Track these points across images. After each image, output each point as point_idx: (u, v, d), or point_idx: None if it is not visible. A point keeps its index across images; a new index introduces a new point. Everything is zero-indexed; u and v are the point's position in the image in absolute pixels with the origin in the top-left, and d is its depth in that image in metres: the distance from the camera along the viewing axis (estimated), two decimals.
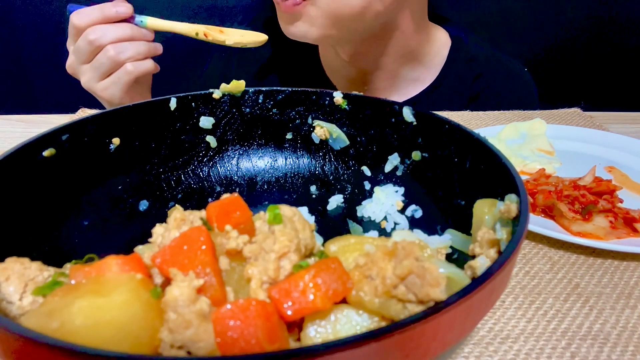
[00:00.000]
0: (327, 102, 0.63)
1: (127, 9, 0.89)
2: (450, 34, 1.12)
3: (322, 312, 0.33)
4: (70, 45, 0.93)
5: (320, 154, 0.66)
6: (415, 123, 0.58)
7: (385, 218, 0.60)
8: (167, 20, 0.90)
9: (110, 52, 0.87)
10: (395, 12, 0.96)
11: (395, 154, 0.61)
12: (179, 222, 0.38)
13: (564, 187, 0.66)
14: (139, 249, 0.40)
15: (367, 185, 0.63)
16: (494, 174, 0.46)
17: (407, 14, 1.00)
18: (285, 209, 0.40)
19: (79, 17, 0.88)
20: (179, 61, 1.55)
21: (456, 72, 1.09)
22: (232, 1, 1.50)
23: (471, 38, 1.12)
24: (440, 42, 1.10)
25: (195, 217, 0.39)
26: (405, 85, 1.10)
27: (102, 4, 0.89)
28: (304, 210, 0.59)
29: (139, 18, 0.89)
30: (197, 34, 0.87)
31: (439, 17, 1.13)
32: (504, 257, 0.33)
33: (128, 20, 0.88)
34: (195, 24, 0.89)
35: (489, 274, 0.31)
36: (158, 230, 0.39)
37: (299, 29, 0.93)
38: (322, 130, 0.64)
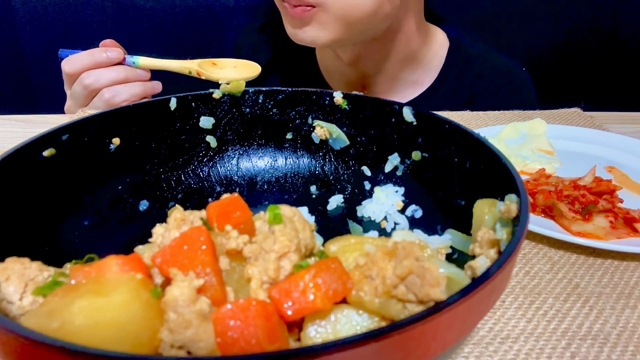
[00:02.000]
0: (327, 102, 0.64)
1: (117, 53, 0.88)
2: (447, 34, 1.12)
3: (322, 312, 0.33)
4: (67, 90, 0.94)
5: (320, 154, 0.66)
6: (415, 123, 0.58)
7: (385, 218, 0.60)
8: (159, 59, 0.90)
9: (105, 95, 0.87)
10: (400, 14, 0.96)
11: (395, 154, 0.61)
12: (179, 222, 0.38)
13: (564, 187, 0.66)
14: (139, 249, 0.40)
15: (367, 185, 0.63)
16: (494, 174, 0.46)
17: (410, 15, 1.00)
18: (285, 209, 0.40)
19: (69, 64, 0.89)
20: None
21: (454, 73, 1.08)
22: (232, 1, 1.50)
23: (468, 38, 1.12)
24: (438, 43, 1.10)
25: (195, 217, 0.39)
26: (405, 87, 1.10)
27: (92, 50, 0.89)
28: (304, 210, 0.59)
29: (131, 59, 0.90)
30: (190, 72, 0.87)
31: (434, 17, 1.13)
32: (504, 257, 0.33)
33: (120, 61, 0.88)
34: (188, 59, 0.89)
35: (489, 274, 0.31)
36: (158, 230, 0.39)
37: (308, 34, 0.91)
38: (322, 130, 0.64)
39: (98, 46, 0.91)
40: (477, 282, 0.31)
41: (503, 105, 1.02)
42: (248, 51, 1.20)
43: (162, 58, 0.91)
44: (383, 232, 0.58)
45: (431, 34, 1.09)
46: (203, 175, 0.64)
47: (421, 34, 1.05)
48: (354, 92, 0.63)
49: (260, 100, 0.65)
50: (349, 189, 0.64)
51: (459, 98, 1.08)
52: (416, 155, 0.59)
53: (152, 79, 0.93)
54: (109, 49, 0.88)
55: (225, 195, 0.41)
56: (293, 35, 0.94)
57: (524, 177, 0.72)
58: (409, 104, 0.59)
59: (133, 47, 1.45)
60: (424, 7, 1.06)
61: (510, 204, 0.40)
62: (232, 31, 1.24)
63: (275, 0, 0.95)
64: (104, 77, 0.88)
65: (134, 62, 0.89)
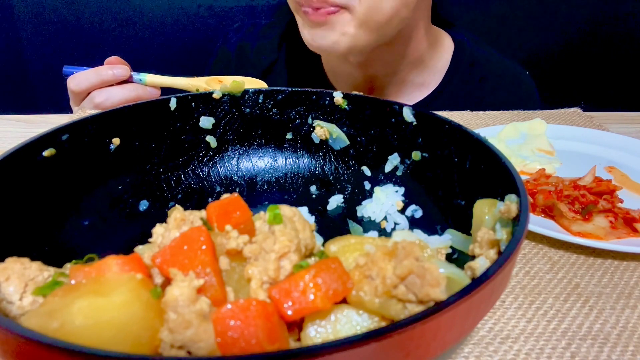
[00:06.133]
0: (327, 102, 0.63)
1: (124, 70, 0.87)
2: (453, 37, 1.12)
3: (322, 312, 0.33)
4: (73, 106, 0.93)
5: (320, 154, 0.66)
6: (415, 123, 0.58)
7: (385, 218, 0.60)
8: (166, 76, 0.89)
9: None
10: (411, 18, 0.96)
11: (395, 154, 0.61)
12: (179, 222, 0.38)
13: (564, 187, 0.66)
14: (139, 249, 0.40)
15: (367, 185, 0.63)
16: (494, 174, 0.46)
17: (420, 19, 1.00)
18: (285, 209, 0.40)
19: (75, 82, 0.87)
20: (180, 61, 1.55)
21: (459, 76, 1.09)
22: (232, 2, 1.50)
23: (473, 41, 1.12)
24: (443, 46, 1.10)
25: (195, 217, 0.39)
26: (411, 90, 1.10)
27: (98, 67, 0.88)
28: (304, 210, 0.59)
29: (138, 76, 0.89)
30: (197, 90, 0.86)
31: (444, 22, 1.13)
32: (504, 257, 0.33)
33: (127, 79, 0.87)
34: (194, 77, 0.88)
35: (488, 274, 0.31)
36: (158, 230, 0.39)
37: (329, 40, 0.88)
38: (322, 130, 0.64)
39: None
40: (477, 282, 0.31)
41: (506, 108, 1.02)
42: (251, 52, 1.19)
43: (169, 75, 0.90)
44: (383, 232, 0.58)
45: (437, 37, 1.10)
46: (203, 175, 0.64)
47: (429, 37, 1.05)
48: (354, 92, 0.63)
49: (260, 100, 0.65)
50: (349, 189, 0.64)
51: (464, 101, 1.08)
52: (416, 155, 0.59)
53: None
54: (115, 67, 0.87)
55: (225, 195, 0.41)
56: (311, 41, 0.92)
57: (524, 177, 0.72)
58: (415, 106, 0.59)
59: (132, 50, 1.44)
60: (431, 11, 1.06)
61: (510, 204, 0.40)
62: (234, 32, 1.24)
63: (291, 6, 0.93)
64: (116, 95, 0.87)
65: (140, 80, 0.89)
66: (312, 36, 0.91)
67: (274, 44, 1.18)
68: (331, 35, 0.88)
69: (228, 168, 0.65)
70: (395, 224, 0.59)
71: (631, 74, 1.68)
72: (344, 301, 0.34)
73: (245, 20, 1.35)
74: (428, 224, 0.56)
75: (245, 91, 0.64)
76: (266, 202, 0.64)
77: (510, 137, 0.85)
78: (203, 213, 0.40)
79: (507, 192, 0.42)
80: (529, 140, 0.84)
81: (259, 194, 0.65)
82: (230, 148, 0.66)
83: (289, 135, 0.66)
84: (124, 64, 0.90)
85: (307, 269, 0.34)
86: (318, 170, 0.66)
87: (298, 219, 0.40)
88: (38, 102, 1.62)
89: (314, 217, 0.60)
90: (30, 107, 1.56)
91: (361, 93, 0.63)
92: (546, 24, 1.62)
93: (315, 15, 0.86)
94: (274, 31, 1.19)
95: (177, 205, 0.57)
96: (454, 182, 0.54)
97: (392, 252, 0.34)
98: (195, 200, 0.62)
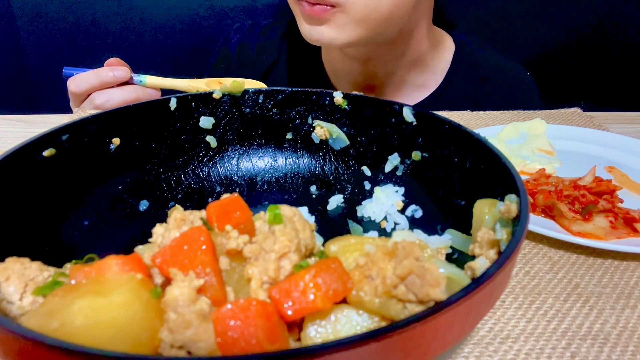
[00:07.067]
0: (327, 102, 0.64)
1: (124, 72, 0.87)
2: (454, 38, 1.12)
3: (322, 312, 0.33)
4: (73, 107, 0.93)
5: (320, 154, 0.66)
6: (415, 123, 0.58)
7: (385, 218, 0.60)
8: (166, 78, 0.89)
9: None
10: (412, 18, 0.96)
11: (395, 154, 0.61)
12: (179, 222, 0.38)
13: (564, 187, 0.66)
14: (139, 249, 0.40)
15: (367, 185, 0.63)
16: (494, 174, 0.46)
17: (421, 19, 1.00)
18: (285, 209, 0.40)
19: (75, 83, 0.87)
20: (180, 62, 1.55)
21: (460, 77, 1.09)
22: (232, 2, 1.50)
23: (475, 42, 1.12)
24: (445, 47, 1.10)
25: (195, 217, 0.39)
26: (411, 90, 1.10)
27: (98, 69, 0.88)
28: (304, 210, 0.59)
29: (138, 78, 0.89)
30: (197, 91, 0.87)
31: (445, 23, 1.13)
32: (504, 257, 0.33)
33: (127, 81, 0.88)
34: (195, 79, 0.88)
35: (488, 274, 0.31)
36: (158, 230, 0.39)
37: (326, 35, 0.89)
38: (322, 130, 0.64)
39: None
40: (477, 282, 0.31)
41: (506, 109, 1.02)
42: (252, 52, 1.19)
43: (169, 76, 0.90)
44: (383, 232, 0.58)
45: (439, 38, 1.10)
46: (203, 175, 0.64)
47: (430, 37, 1.05)
48: (354, 92, 0.63)
49: (260, 100, 0.65)
50: (349, 189, 0.64)
51: (464, 102, 1.08)
52: (416, 155, 0.59)
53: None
54: (115, 68, 0.87)
55: (225, 195, 0.41)
56: (308, 35, 0.92)
57: (524, 177, 0.72)
58: (415, 106, 0.59)
59: (132, 51, 1.44)
60: (434, 13, 1.06)
61: (510, 204, 0.40)
62: (235, 32, 1.24)
63: (289, 0, 0.94)
64: (116, 97, 0.87)
65: (140, 81, 0.89)
66: (310, 30, 0.91)
67: (274, 44, 1.18)
68: (328, 31, 0.88)
69: (228, 168, 0.65)
70: (395, 224, 0.59)
71: (631, 74, 1.68)
72: (344, 301, 0.34)
73: (245, 20, 1.35)
74: (428, 224, 0.56)
75: (245, 91, 0.64)
76: (266, 202, 0.64)
77: (510, 137, 0.85)
78: (203, 213, 0.40)
79: (507, 192, 0.42)
80: (529, 140, 0.84)
81: (259, 194, 0.65)
82: (230, 148, 0.66)
83: (289, 135, 0.66)
84: (124, 65, 0.90)
85: (307, 269, 0.34)
86: (318, 170, 0.66)
87: (298, 219, 0.40)
88: (38, 102, 1.61)
89: (314, 217, 0.60)
90: (30, 107, 1.56)
91: (361, 93, 0.63)
92: (546, 24, 1.62)
93: (312, 11, 0.86)
94: (275, 31, 1.19)
95: (177, 205, 0.57)
96: (454, 182, 0.54)
97: (392, 252, 0.34)
98: (195, 200, 0.62)
